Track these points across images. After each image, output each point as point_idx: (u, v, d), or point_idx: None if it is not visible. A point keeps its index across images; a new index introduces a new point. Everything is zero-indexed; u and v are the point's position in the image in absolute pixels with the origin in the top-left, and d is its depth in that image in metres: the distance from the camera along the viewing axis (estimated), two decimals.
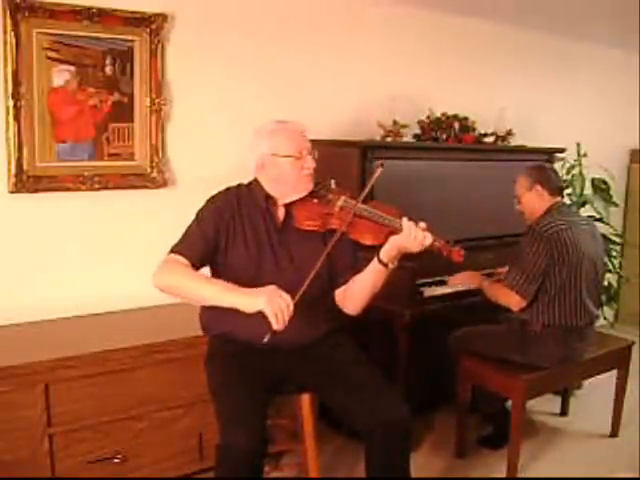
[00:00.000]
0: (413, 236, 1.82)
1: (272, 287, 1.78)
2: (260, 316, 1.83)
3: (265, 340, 1.75)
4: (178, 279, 1.88)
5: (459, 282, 2.79)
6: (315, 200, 1.99)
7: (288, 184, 1.98)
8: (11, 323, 2.41)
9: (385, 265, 1.90)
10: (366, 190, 1.92)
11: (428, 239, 1.83)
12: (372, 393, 1.91)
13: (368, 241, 1.92)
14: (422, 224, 1.85)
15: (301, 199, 1.99)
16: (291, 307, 1.75)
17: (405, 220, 1.85)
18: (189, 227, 2.00)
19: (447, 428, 2.97)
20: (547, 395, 3.19)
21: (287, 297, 1.76)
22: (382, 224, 1.89)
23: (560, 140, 3.81)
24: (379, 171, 1.90)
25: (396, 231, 1.86)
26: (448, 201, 3.09)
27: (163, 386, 2.34)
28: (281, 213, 2.03)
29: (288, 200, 2.01)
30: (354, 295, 2.02)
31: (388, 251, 1.88)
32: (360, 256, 2.05)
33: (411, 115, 3.23)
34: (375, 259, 1.91)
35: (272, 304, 1.73)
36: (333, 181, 2.05)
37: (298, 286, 1.83)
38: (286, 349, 1.99)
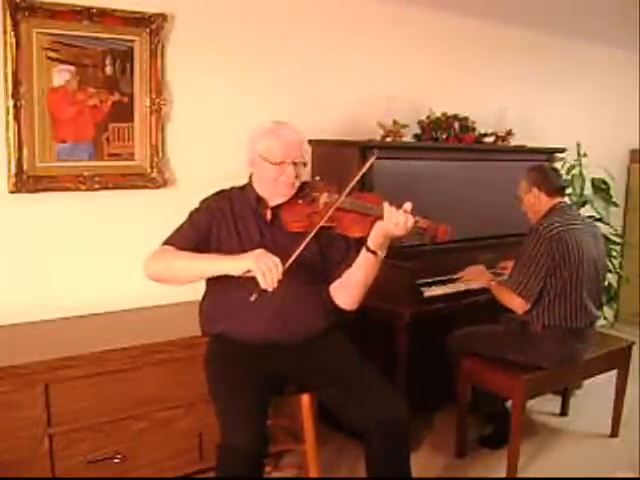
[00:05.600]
0: (395, 220, 1.80)
1: (261, 250, 1.81)
2: (258, 315, 1.84)
3: (252, 299, 1.76)
4: (167, 262, 1.92)
5: (469, 277, 2.79)
6: (300, 201, 2.00)
7: (267, 187, 2.02)
8: (11, 323, 2.41)
9: (374, 253, 1.89)
10: (352, 184, 1.90)
11: (410, 221, 1.80)
12: (371, 391, 1.91)
13: (356, 233, 1.91)
14: (406, 206, 1.81)
15: (287, 201, 2.01)
16: (280, 268, 1.75)
17: (386, 205, 1.82)
18: (181, 224, 2.04)
19: (447, 428, 2.97)
20: (547, 395, 3.19)
21: (277, 259, 1.77)
22: (366, 214, 1.88)
23: (560, 140, 3.81)
24: (372, 160, 1.90)
25: (380, 218, 1.84)
26: (448, 201, 3.09)
27: (163, 386, 2.34)
28: (269, 214, 2.05)
29: (273, 203, 2.03)
30: (348, 288, 2.03)
31: (374, 239, 1.87)
32: (353, 250, 2.04)
33: (411, 115, 3.23)
34: (364, 249, 1.90)
35: (260, 262, 1.75)
36: (318, 178, 2.06)
37: (293, 282, 1.85)
38: (285, 347, 2.00)
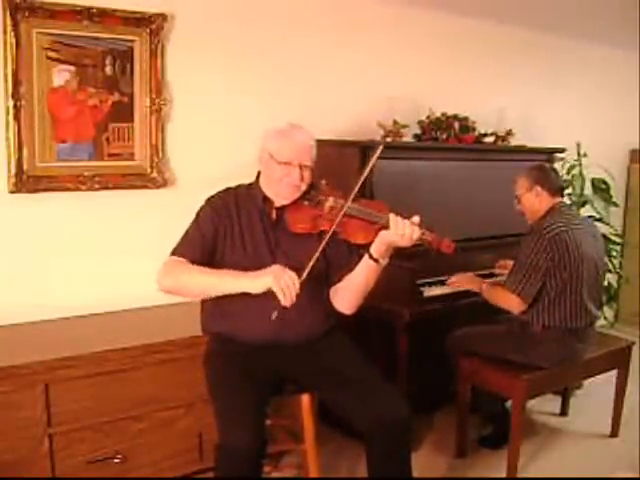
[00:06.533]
0: (401, 232, 1.82)
1: (277, 266, 1.82)
2: (258, 315, 1.84)
3: (273, 317, 1.78)
4: (183, 277, 1.91)
5: (458, 284, 2.79)
6: (306, 202, 2.01)
7: (272, 187, 2.01)
8: (11, 323, 2.41)
9: (376, 261, 1.90)
10: (356, 188, 1.90)
11: (416, 233, 1.82)
12: (371, 391, 1.91)
13: (359, 240, 1.92)
14: (414, 219, 1.84)
15: (293, 202, 2.00)
16: (297, 284, 1.77)
17: (392, 216, 1.84)
18: (188, 229, 2.02)
19: (447, 428, 2.97)
20: (547, 395, 3.19)
21: (293, 274, 1.78)
22: (371, 222, 1.89)
23: (560, 140, 3.81)
24: (378, 151, 1.88)
25: (385, 227, 1.86)
26: (448, 201, 3.09)
27: (163, 386, 2.34)
28: (274, 214, 2.05)
29: (279, 204, 2.02)
30: (347, 293, 2.03)
31: (378, 247, 1.88)
32: (355, 255, 2.04)
33: (411, 115, 3.23)
34: (366, 256, 1.91)
35: (279, 281, 1.76)
36: (324, 181, 2.05)
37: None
38: (285, 347, 2.00)
